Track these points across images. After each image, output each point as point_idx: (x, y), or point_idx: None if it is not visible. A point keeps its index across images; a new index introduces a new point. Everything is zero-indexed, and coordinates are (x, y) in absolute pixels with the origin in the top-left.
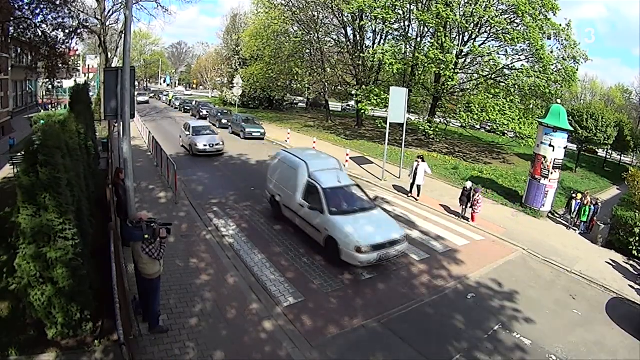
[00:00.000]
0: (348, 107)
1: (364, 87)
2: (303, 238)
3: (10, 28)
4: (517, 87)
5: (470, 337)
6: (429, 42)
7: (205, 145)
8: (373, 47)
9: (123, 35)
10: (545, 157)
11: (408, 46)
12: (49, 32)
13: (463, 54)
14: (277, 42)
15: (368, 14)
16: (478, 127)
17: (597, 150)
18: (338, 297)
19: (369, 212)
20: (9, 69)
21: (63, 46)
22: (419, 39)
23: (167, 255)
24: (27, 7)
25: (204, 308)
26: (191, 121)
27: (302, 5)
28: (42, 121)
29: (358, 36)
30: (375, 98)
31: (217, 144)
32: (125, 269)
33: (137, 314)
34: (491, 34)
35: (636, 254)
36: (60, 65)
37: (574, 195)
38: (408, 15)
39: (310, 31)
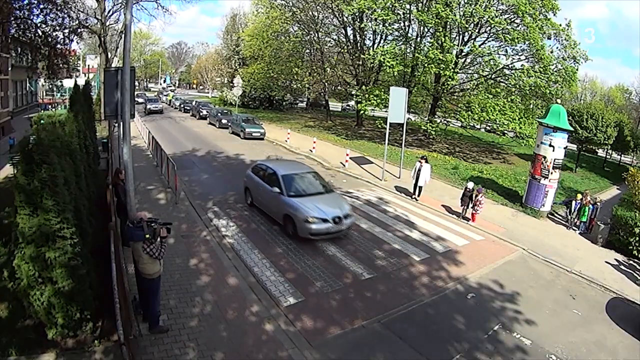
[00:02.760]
0: (348, 107)
1: (363, 87)
2: (303, 240)
3: (12, 29)
4: (517, 87)
5: (470, 337)
6: (428, 42)
7: (326, 222)
8: (373, 48)
9: (123, 35)
10: (545, 157)
11: (408, 46)
12: (49, 32)
13: (463, 54)
14: (277, 42)
15: (368, 14)
16: (478, 127)
17: (597, 150)
18: (338, 297)
19: None
20: (9, 69)
21: (63, 46)
22: (418, 39)
23: (167, 256)
24: (27, 8)
25: (204, 308)
26: (270, 162)
27: (302, 5)
28: (42, 121)
29: (358, 36)
30: (375, 99)
31: (345, 215)
32: (125, 269)
33: (137, 314)
34: (491, 34)
35: (636, 254)
36: (61, 65)
37: (572, 198)
38: (408, 16)
39: (310, 31)
